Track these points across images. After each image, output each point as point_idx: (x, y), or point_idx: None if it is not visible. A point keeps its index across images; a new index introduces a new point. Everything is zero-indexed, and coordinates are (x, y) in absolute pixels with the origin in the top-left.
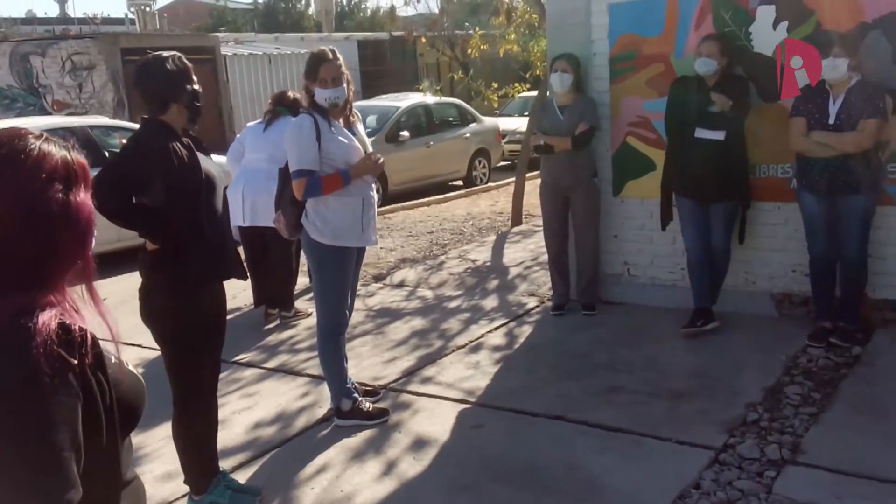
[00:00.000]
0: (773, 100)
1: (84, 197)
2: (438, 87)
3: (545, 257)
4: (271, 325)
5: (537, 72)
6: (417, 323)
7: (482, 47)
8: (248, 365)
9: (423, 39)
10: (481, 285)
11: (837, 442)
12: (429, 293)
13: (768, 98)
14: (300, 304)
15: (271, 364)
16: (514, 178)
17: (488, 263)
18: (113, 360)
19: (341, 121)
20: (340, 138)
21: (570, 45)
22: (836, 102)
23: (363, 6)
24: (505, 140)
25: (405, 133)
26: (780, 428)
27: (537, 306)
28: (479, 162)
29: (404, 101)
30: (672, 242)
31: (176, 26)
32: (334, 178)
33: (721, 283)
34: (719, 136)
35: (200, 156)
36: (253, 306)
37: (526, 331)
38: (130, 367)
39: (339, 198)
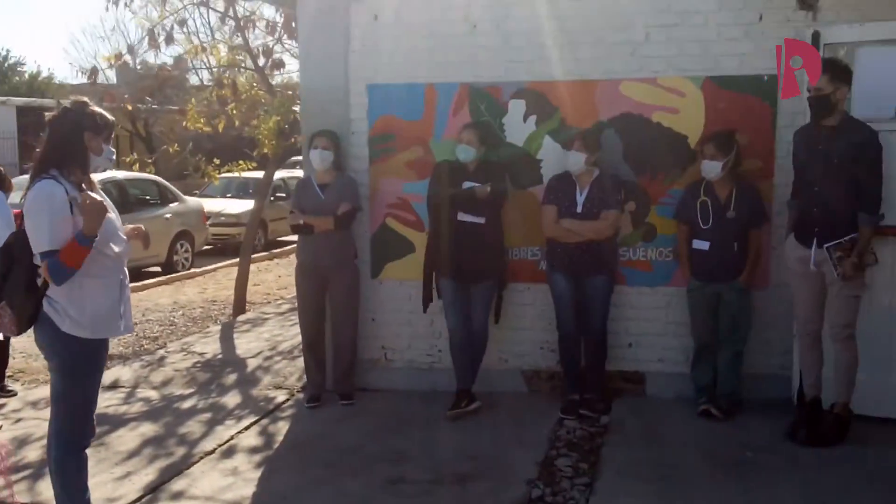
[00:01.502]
0: (523, 187)
1: None
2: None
3: (286, 346)
4: None
5: (265, 150)
6: (148, 429)
7: (199, 122)
8: None
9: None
10: (217, 381)
11: None
12: (153, 393)
13: (520, 185)
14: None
15: None
16: (221, 264)
17: (220, 356)
18: None
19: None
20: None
21: (328, 123)
22: (583, 193)
23: (19, 69)
24: (209, 222)
25: None
26: (563, 501)
27: (288, 399)
28: (182, 245)
29: (102, 175)
30: (430, 324)
31: None
32: (71, 246)
33: (480, 363)
34: (480, 219)
35: None
36: None
37: (282, 427)
38: None
39: (96, 279)
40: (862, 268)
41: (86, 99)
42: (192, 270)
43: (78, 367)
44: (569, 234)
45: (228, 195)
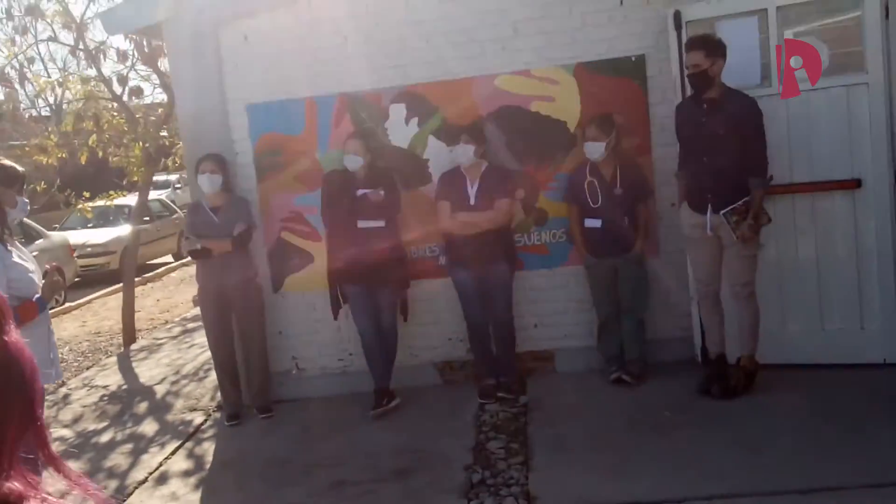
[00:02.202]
0: (413, 187)
1: (17, 337)
2: None
3: (189, 368)
4: None
5: (134, 178)
6: (73, 467)
7: (60, 155)
8: None
9: None
10: (128, 411)
11: (558, 483)
12: (66, 431)
13: (410, 186)
14: None
15: None
16: (95, 295)
17: (124, 386)
18: None
19: None
20: (18, 260)
21: (210, 146)
22: (474, 186)
23: None
24: (76, 254)
25: None
26: (504, 482)
27: (206, 420)
28: None
29: None
30: (337, 330)
31: None
32: (29, 307)
33: (394, 361)
34: (380, 223)
35: None
36: None
37: (209, 448)
38: None
39: (27, 330)
40: (758, 229)
41: None
42: (68, 305)
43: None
44: (465, 226)
45: (90, 225)
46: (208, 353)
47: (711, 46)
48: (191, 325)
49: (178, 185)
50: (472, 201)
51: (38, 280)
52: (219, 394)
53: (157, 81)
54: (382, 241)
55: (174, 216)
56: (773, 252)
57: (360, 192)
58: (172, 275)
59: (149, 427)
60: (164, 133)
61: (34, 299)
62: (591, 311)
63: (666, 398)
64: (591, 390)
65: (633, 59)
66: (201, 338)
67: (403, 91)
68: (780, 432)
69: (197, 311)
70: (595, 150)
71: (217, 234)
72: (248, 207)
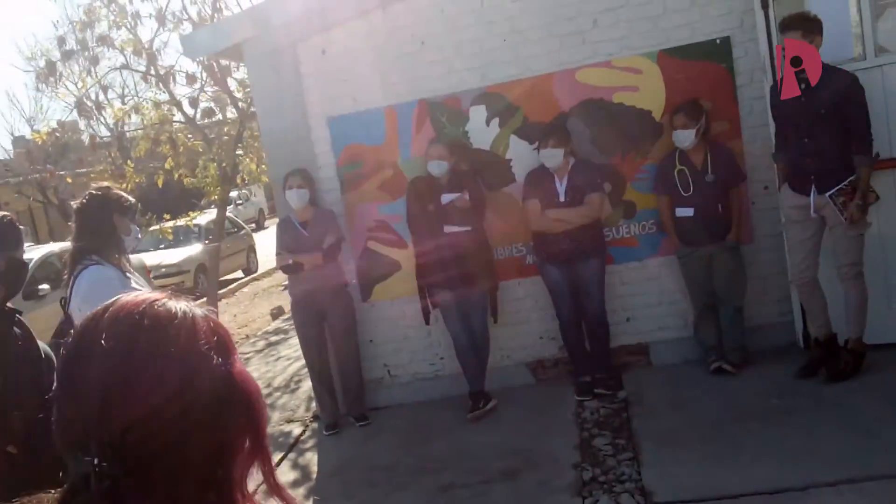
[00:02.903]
0: (497, 188)
1: (241, 366)
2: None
3: (280, 381)
4: None
5: (213, 196)
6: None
7: (137, 180)
8: None
9: None
10: None
11: (671, 477)
12: None
13: (492, 188)
14: None
15: None
16: None
17: None
18: None
19: None
20: (135, 286)
21: (295, 161)
22: (563, 183)
23: None
24: (152, 276)
25: (45, 286)
26: (616, 478)
27: (304, 430)
28: None
29: (32, 250)
30: (427, 336)
31: None
32: None
33: (486, 363)
34: (466, 228)
35: None
36: None
37: (311, 458)
38: None
39: None
40: (866, 208)
41: (107, 183)
42: None
43: None
44: (557, 223)
45: (161, 246)
46: (297, 365)
47: (809, 25)
48: (273, 339)
49: (240, 202)
50: (562, 198)
51: None
52: (314, 404)
53: (228, 101)
54: (470, 244)
55: (242, 232)
56: (876, 229)
57: (445, 197)
58: (244, 290)
59: None
60: (239, 151)
61: None
62: (684, 302)
63: (770, 385)
64: (690, 382)
65: (718, 41)
66: (287, 350)
67: (483, 92)
68: (893, 414)
69: (277, 324)
70: (685, 137)
71: (307, 248)
72: (335, 220)
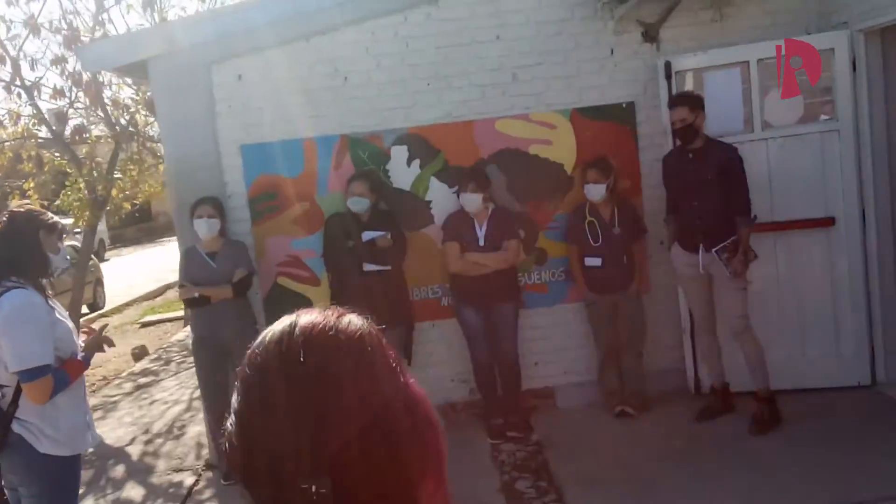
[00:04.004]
0: (415, 229)
1: (413, 381)
2: None
3: (159, 426)
4: None
5: (80, 222)
6: None
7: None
8: None
9: None
10: (104, 475)
11: None
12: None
13: (411, 228)
14: None
15: None
16: None
17: (90, 450)
18: None
19: None
20: (60, 317)
21: (201, 189)
22: (482, 228)
23: None
24: None
25: None
26: None
27: (198, 481)
28: None
29: None
30: None
31: None
32: (77, 365)
33: None
34: (387, 267)
35: None
36: None
37: None
38: None
39: (67, 392)
40: (747, 264)
41: (28, 201)
42: None
43: (61, 487)
44: (475, 266)
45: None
46: (176, 409)
47: (694, 101)
48: (143, 381)
49: (78, 230)
50: (481, 242)
51: (77, 337)
52: (205, 451)
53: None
54: (389, 284)
55: (90, 263)
56: (758, 285)
57: (366, 235)
58: (93, 326)
59: (134, 492)
60: (118, 175)
61: (80, 357)
62: (588, 347)
63: (670, 428)
64: (597, 424)
65: (624, 105)
66: (161, 393)
67: (405, 133)
68: (783, 452)
69: (143, 364)
70: (597, 191)
71: (215, 281)
72: (246, 252)
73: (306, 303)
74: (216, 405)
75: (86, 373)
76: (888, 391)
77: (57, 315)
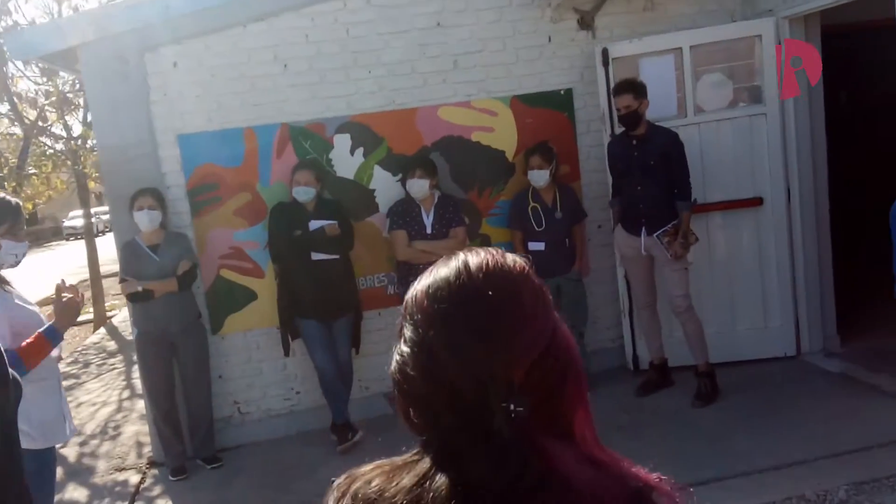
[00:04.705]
0: (360, 218)
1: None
2: None
3: (93, 427)
4: None
5: None
6: None
7: None
8: None
9: None
10: None
11: None
12: None
13: (355, 217)
14: None
15: None
16: None
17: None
18: None
19: None
20: (19, 301)
21: (137, 180)
22: (429, 215)
23: None
24: None
25: None
26: None
27: (143, 479)
28: None
29: None
30: (283, 369)
31: None
32: (37, 342)
33: (349, 395)
34: (335, 256)
35: None
36: None
37: None
38: None
39: (37, 383)
40: (688, 246)
41: None
42: None
43: (34, 484)
44: (423, 255)
45: None
46: (106, 410)
47: (639, 89)
48: (64, 384)
49: None
50: (429, 230)
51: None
52: (146, 450)
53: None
54: (337, 273)
55: None
56: (724, 262)
57: (313, 224)
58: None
59: (77, 493)
60: (32, 170)
61: (41, 330)
62: None
63: (616, 403)
64: None
65: (562, 92)
66: (86, 395)
67: (348, 121)
68: (723, 420)
69: (61, 367)
70: (540, 177)
71: (159, 275)
72: (189, 244)
73: (250, 295)
74: (162, 400)
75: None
76: (812, 360)
77: (16, 301)
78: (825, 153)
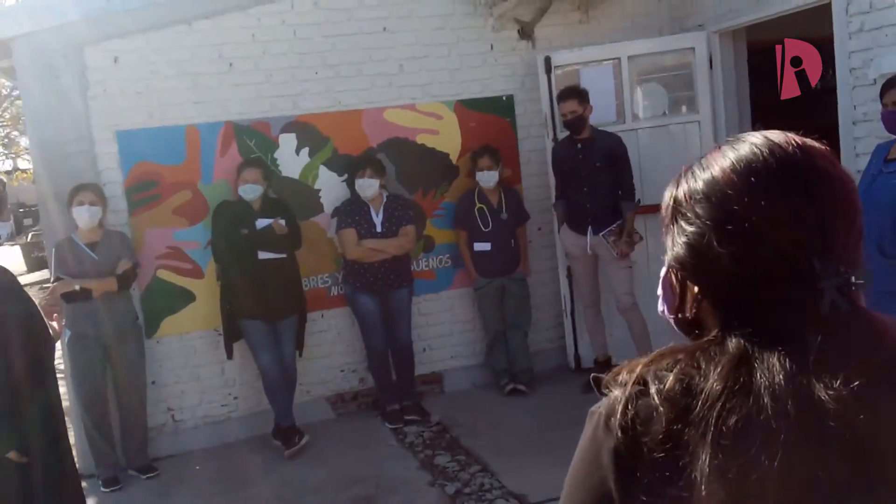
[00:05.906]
0: (305, 218)
1: None
2: None
3: None
4: None
5: None
6: None
7: None
8: None
9: None
10: None
11: (532, 480)
12: None
13: (300, 217)
14: None
15: None
16: None
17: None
18: None
19: None
20: None
21: (73, 177)
22: (379, 214)
23: None
24: None
25: None
26: (479, 489)
27: None
28: None
29: None
30: (221, 374)
31: None
32: None
33: (293, 397)
34: (282, 255)
35: None
36: None
37: None
38: None
39: None
40: (632, 245)
41: None
42: None
43: None
44: (373, 253)
45: None
46: None
47: (583, 95)
48: None
49: None
50: (379, 229)
51: None
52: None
53: None
54: (283, 272)
55: None
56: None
57: (260, 222)
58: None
59: None
60: None
61: None
62: (475, 332)
63: (561, 399)
64: (491, 403)
65: (504, 98)
66: None
67: (293, 121)
68: None
69: None
70: (489, 178)
71: (97, 273)
72: (129, 242)
73: (188, 296)
74: (97, 407)
75: None
76: None
77: None
78: None
